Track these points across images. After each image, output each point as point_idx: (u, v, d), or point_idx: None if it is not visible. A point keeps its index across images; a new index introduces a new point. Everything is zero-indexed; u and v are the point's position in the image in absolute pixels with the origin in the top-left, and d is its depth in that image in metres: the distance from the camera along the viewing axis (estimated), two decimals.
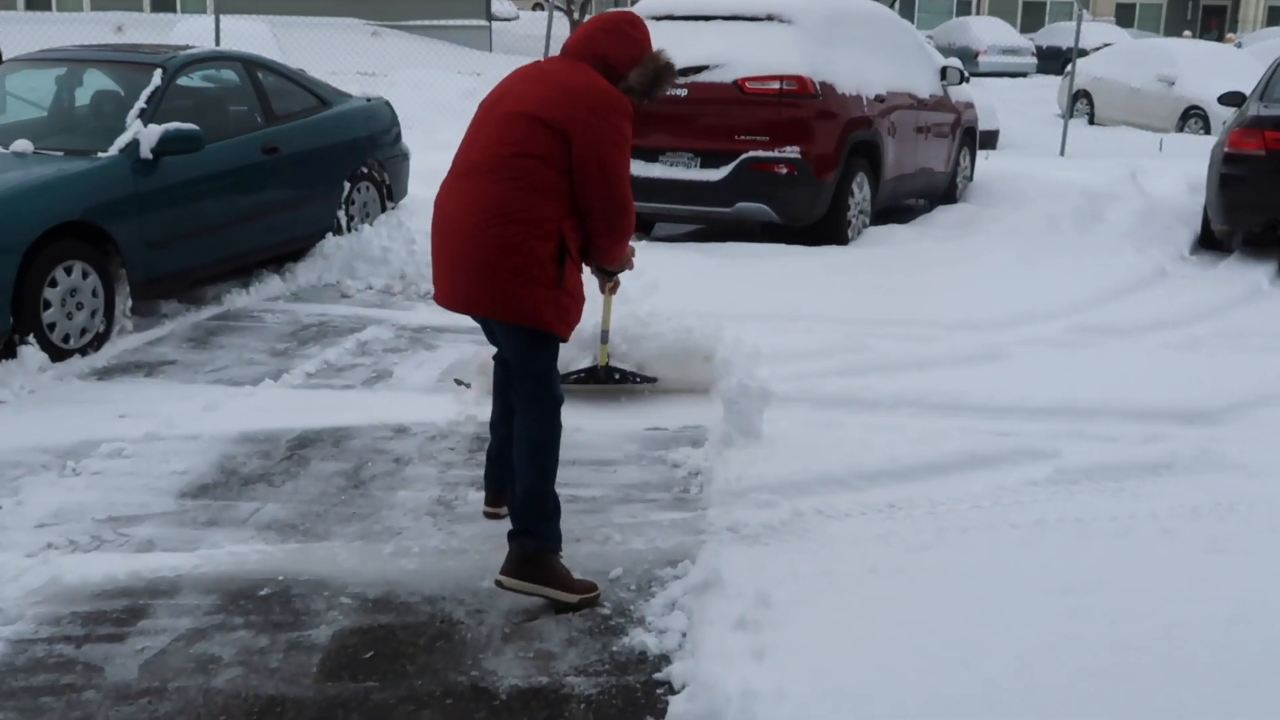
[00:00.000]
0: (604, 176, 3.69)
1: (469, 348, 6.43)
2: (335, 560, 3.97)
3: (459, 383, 5.75)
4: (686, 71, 8.85)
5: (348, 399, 5.68)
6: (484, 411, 5.25)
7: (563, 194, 3.69)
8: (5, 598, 3.68)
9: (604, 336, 5.56)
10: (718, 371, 5.40)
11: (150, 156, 6.65)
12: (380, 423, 5.29)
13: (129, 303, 6.55)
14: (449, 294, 3.80)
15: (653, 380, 5.67)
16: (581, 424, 5.14)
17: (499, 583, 3.69)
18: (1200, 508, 4.28)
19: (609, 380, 5.63)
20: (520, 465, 3.75)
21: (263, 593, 3.74)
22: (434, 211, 3.90)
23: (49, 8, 24.68)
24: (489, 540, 4.09)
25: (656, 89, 4.00)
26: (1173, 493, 4.43)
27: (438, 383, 5.92)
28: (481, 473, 4.41)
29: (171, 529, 4.21)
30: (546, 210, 3.66)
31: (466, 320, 6.85)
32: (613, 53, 3.92)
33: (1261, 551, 3.93)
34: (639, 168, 8.80)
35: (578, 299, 3.81)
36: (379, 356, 6.39)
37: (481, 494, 4.33)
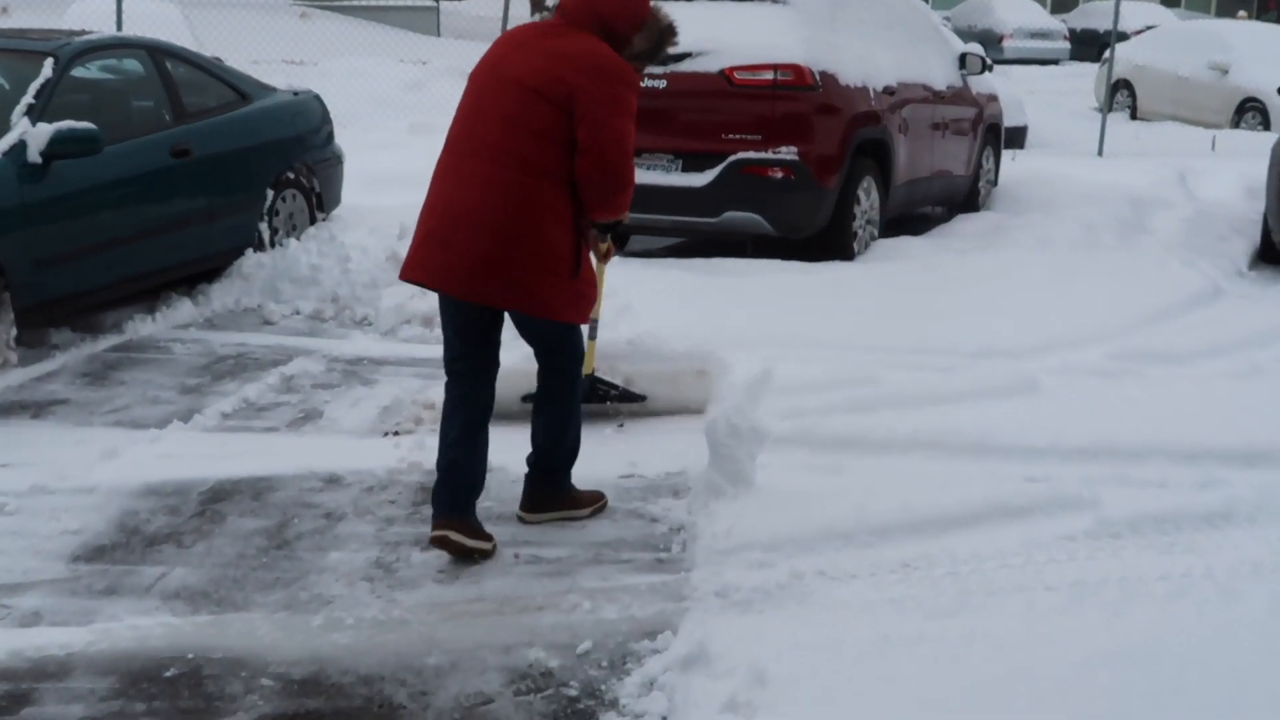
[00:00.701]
0: (609, 149, 4.07)
1: (412, 383, 6.42)
2: (255, 634, 3.94)
3: (394, 433, 5.73)
4: (665, 60, 8.87)
5: (270, 444, 5.65)
6: (430, 457, 5.27)
7: (570, 174, 4.15)
8: None
9: (592, 329, 5.65)
10: (713, 390, 5.47)
11: (39, 160, 6.62)
12: (308, 471, 5.26)
13: (13, 331, 6.51)
14: (445, 278, 4.25)
15: (641, 398, 5.91)
16: None
17: (521, 518, 4.72)
18: (1264, 564, 4.29)
19: (593, 398, 5.77)
20: (552, 418, 4.64)
21: (169, 674, 3.71)
22: (429, 192, 4.36)
23: None
24: (435, 610, 4.06)
25: (660, 51, 4.36)
26: (1232, 547, 4.44)
27: (376, 424, 5.89)
28: (426, 529, 4.47)
29: (62, 599, 4.17)
30: (560, 196, 4.16)
31: (409, 351, 6.90)
32: (615, 15, 4.10)
33: None
34: None
35: (593, 284, 4.47)
36: (307, 394, 6.36)
37: (426, 555, 4.32)
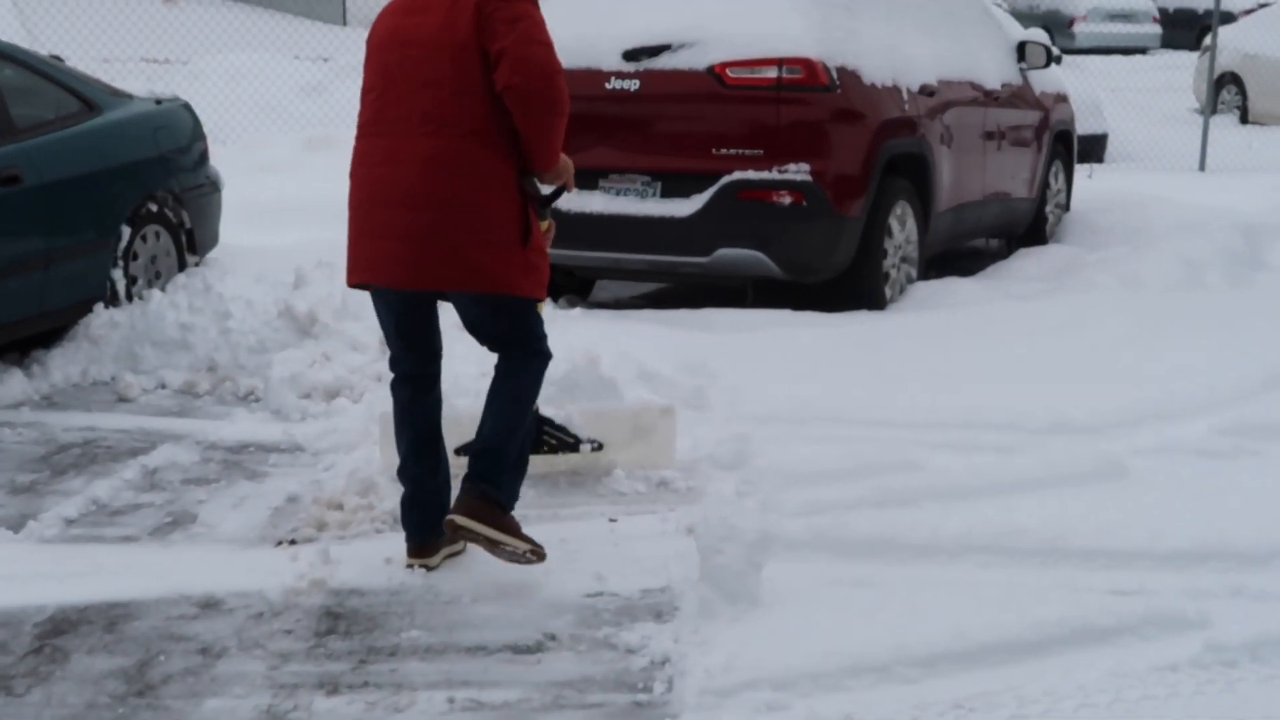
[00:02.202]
0: (524, 43, 4.80)
1: (312, 476, 6.42)
2: None
3: (290, 542, 5.74)
4: (638, 54, 8.98)
5: (128, 558, 5.64)
6: (337, 572, 5.31)
7: (503, 131, 4.91)
8: None
9: None
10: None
11: None
12: (178, 594, 5.24)
13: None
14: (383, 270, 5.03)
15: (598, 446, 6.27)
16: (482, 591, 5.19)
17: (449, 523, 5.07)
18: None
19: (539, 448, 6.12)
20: (493, 411, 5.18)
21: None
22: (353, 183, 5.12)
23: None
24: None
25: None
26: None
27: (266, 530, 5.89)
28: (333, 667, 4.52)
29: None
30: (493, 156, 4.91)
31: (308, 433, 6.90)
32: None
33: None
34: (570, 199, 8.85)
35: (545, 255, 5.11)
36: (176, 491, 6.36)
37: (333, 700, 4.34)
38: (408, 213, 4.94)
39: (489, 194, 4.93)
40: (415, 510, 5.34)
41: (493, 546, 5.09)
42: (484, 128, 4.92)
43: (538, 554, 5.13)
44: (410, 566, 5.33)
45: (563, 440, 6.24)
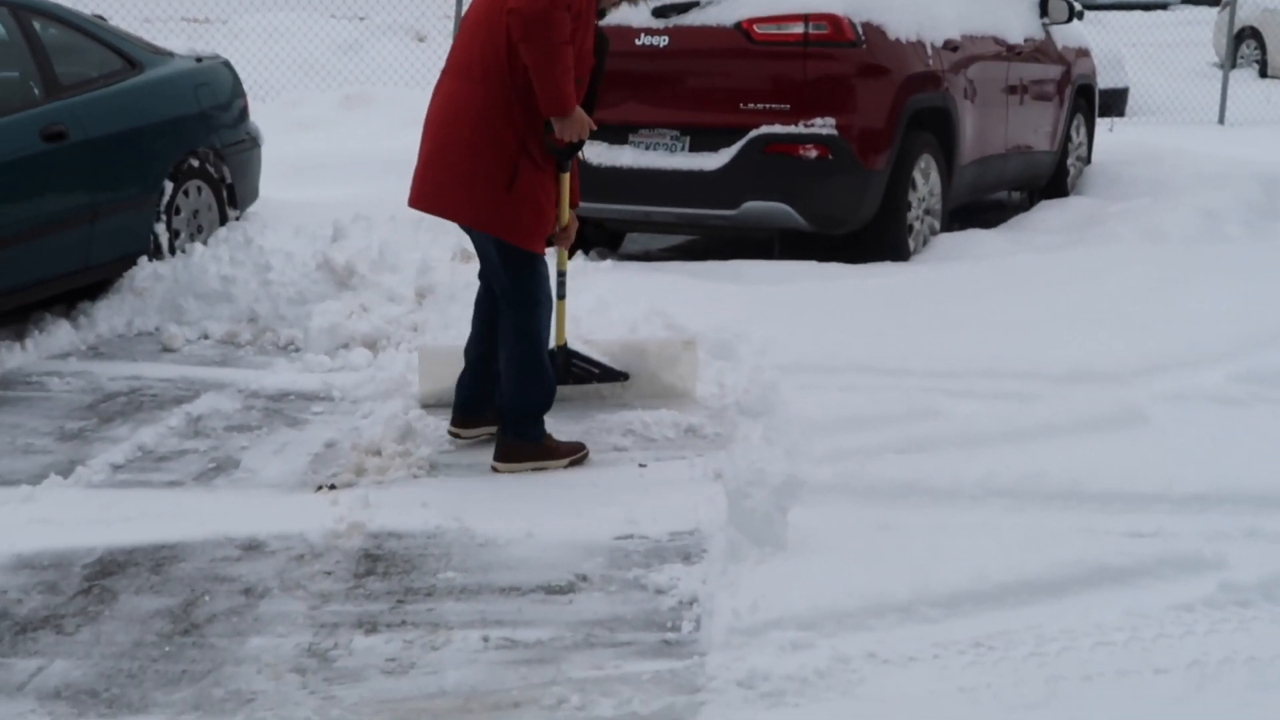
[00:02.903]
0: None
1: (350, 423, 6.45)
2: None
3: (329, 487, 5.77)
4: (667, 11, 8.97)
5: (174, 502, 5.67)
6: (375, 516, 5.33)
7: (513, 83, 5.40)
8: None
9: (560, 288, 6.14)
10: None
11: None
12: (222, 536, 5.27)
13: None
14: (419, 195, 5.69)
15: (623, 377, 6.51)
16: (516, 531, 5.21)
17: (494, 469, 5.78)
18: None
19: (568, 379, 6.37)
20: (504, 365, 5.76)
21: None
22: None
23: None
24: (383, 707, 4.09)
25: None
26: None
27: (306, 476, 5.93)
28: (371, 607, 4.60)
29: None
30: (494, 105, 5.41)
31: (346, 382, 6.93)
32: None
33: None
34: (601, 153, 8.87)
35: (542, 212, 5.57)
36: (219, 438, 6.40)
37: (372, 639, 4.41)
38: (426, 143, 5.67)
39: (480, 137, 5.46)
40: (463, 386, 6.10)
41: (539, 471, 5.80)
42: (494, 76, 5.44)
43: (577, 459, 5.87)
44: (451, 435, 6.13)
45: (589, 371, 6.46)
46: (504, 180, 5.48)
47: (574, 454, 5.90)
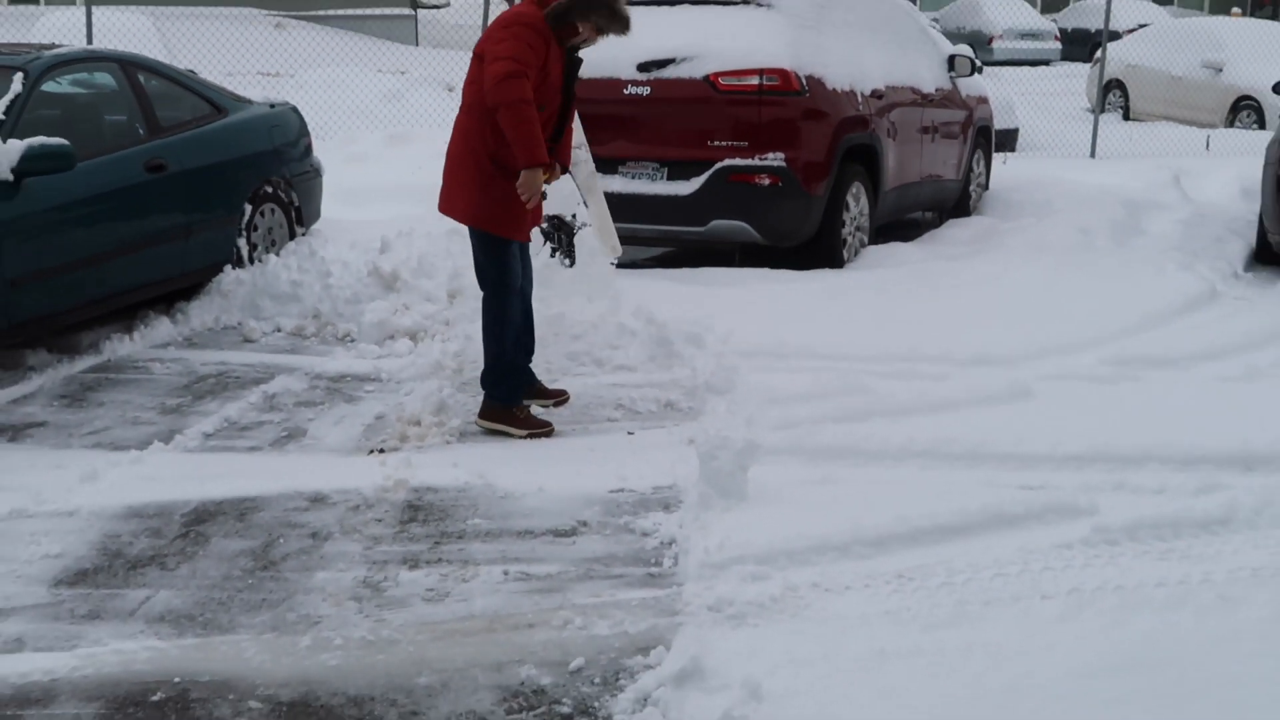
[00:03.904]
0: (489, 58, 5.43)
1: (396, 399, 6.45)
2: (242, 656, 3.96)
3: (379, 451, 5.76)
4: (649, 66, 8.96)
5: (254, 463, 5.68)
6: (416, 474, 5.34)
7: (486, 115, 5.51)
8: None
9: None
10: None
11: (10, 177, 6.63)
12: (293, 491, 5.28)
13: None
14: (440, 200, 5.87)
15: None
16: (529, 488, 5.22)
17: (477, 421, 5.97)
18: (1264, 569, 4.33)
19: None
20: (482, 340, 5.95)
21: (156, 698, 3.73)
22: None
23: None
24: (424, 628, 4.10)
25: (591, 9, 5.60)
26: (1231, 553, 4.48)
27: (361, 442, 5.93)
28: (414, 547, 4.67)
29: (44, 624, 4.19)
30: (477, 132, 5.61)
31: (392, 367, 6.93)
32: None
33: None
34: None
35: (514, 212, 5.67)
36: (290, 412, 6.39)
37: (414, 573, 4.47)
38: (446, 163, 5.86)
39: (467, 154, 5.71)
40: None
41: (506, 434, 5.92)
42: (476, 109, 5.62)
43: (536, 433, 5.91)
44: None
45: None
46: (480, 185, 5.68)
47: (536, 429, 5.93)
